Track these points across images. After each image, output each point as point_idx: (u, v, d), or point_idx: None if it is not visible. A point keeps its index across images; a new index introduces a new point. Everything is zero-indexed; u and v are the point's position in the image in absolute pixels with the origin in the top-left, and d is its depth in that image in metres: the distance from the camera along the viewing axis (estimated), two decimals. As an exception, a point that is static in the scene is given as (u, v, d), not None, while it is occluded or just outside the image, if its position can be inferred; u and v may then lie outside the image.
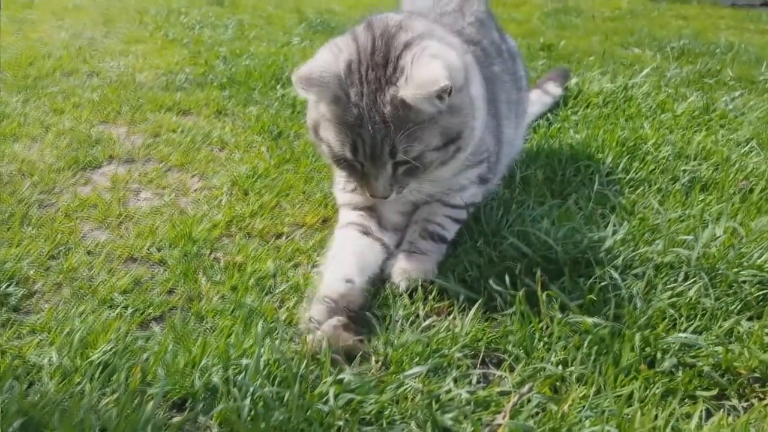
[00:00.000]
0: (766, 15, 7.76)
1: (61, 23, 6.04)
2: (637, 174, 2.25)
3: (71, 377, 1.30)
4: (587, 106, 2.99)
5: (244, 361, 1.28)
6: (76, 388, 1.27)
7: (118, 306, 1.58)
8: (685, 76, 3.94)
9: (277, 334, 1.42)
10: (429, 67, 1.49)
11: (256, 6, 7.44)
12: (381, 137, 1.51)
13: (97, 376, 1.29)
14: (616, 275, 1.52)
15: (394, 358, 1.34)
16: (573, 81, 3.35)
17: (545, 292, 1.46)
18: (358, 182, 1.65)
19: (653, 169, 2.29)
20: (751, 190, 2.17)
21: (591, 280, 1.53)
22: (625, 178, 2.23)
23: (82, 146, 2.64)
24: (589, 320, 1.36)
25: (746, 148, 2.49)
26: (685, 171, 2.23)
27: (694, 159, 2.35)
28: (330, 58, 1.60)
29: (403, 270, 1.64)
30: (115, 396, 1.24)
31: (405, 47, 1.56)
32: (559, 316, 1.43)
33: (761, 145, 2.57)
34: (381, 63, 1.54)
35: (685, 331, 1.42)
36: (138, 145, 2.69)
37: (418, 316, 1.52)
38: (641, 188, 2.18)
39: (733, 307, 1.50)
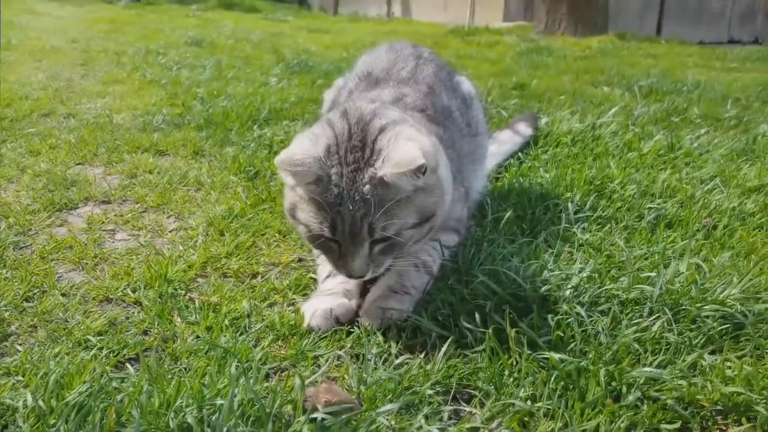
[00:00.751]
0: (732, 53, 8.01)
1: (39, 64, 6.09)
2: (604, 212, 2.32)
3: (46, 419, 1.30)
4: (557, 145, 3.07)
5: (218, 402, 1.29)
6: (50, 430, 1.27)
7: (93, 347, 1.59)
8: (653, 114, 4.07)
9: (251, 374, 1.44)
10: (405, 148, 1.58)
11: (234, 47, 7.55)
12: (360, 215, 1.56)
13: (72, 417, 1.29)
14: (582, 312, 1.56)
15: (367, 396, 1.36)
16: (543, 120, 3.45)
17: (514, 329, 1.50)
18: (335, 262, 1.68)
19: (620, 207, 2.35)
20: (715, 227, 2.24)
21: (558, 317, 1.57)
22: (592, 215, 2.29)
23: (58, 188, 2.66)
24: (556, 356, 1.40)
25: (710, 185, 2.58)
26: (650, 209, 2.30)
27: (660, 197, 2.43)
28: (308, 143, 1.67)
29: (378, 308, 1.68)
30: (90, 438, 1.25)
31: (380, 131, 1.65)
32: (528, 352, 1.47)
33: (725, 182, 2.66)
34: (359, 146, 1.63)
35: (649, 365, 1.46)
36: (114, 186, 2.71)
37: (390, 354, 1.54)
38: (608, 225, 2.24)
39: (697, 341, 1.55)
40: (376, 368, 1.48)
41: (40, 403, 1.33)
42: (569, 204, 2.32)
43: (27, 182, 2.74)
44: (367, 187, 1.57)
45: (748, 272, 1.82)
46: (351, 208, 1.56)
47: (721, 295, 1.69)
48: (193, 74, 5.38)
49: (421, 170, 1.55)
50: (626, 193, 2.41)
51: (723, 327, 1.59)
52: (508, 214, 2.17)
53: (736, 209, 2.38)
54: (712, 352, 1.55)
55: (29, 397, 1.36)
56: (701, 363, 1.49)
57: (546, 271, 1.80)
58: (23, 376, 1.46)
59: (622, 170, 2.61)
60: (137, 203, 2.54)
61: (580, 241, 2.11)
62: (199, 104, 4.03)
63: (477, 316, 1.59)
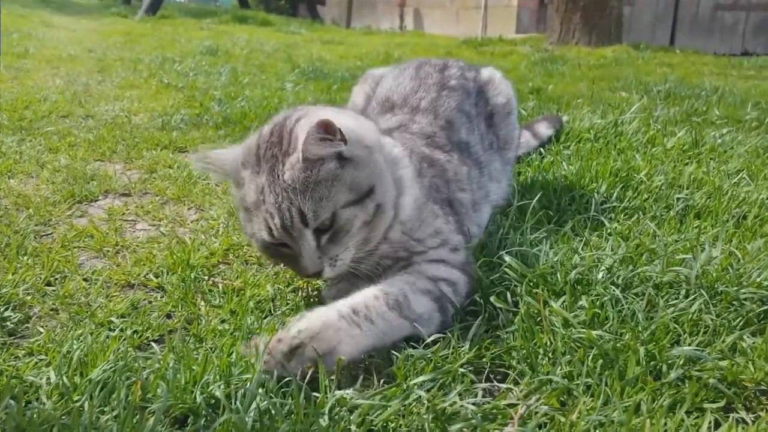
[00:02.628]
0: (748, 62, 7.96)
1: (56, 71, 6.12)
2: (631, 202, 2.28)
3: (70, 395, 1.27)
4: (579, 141, 3.04)
5: (246, 376, 1.26)
6: (74, 405, 1.24)
7: (117, 328, 1.56)
8: (673, 116, 4.02)
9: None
10: (314, 117, 1.50)
11: (249, 56, 7.58)
12: (287, 206, 1.48)
13: (96, 393, 1.27)
14: (617, 292, 1.52)
15: (399, 374, 1.32)
16: (564, 118, 3.41)
17: (547, 309, 1.46)
18: (293, 268, 1.58)
19: (647, 198, 2.31)
20: (745, 217, 2.19)
21: (592, 298, 1.53)
22: (619, 206, 2.25)
23: (78, 181, 2.64)
24: (594, 333, 1.36)
25: (737, 179, 2.53)
26: (678, 199, 2.26)
27: (687, 188, 2.38)
28: (232, 149, 1.66)
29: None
30: (115, 413, 1.21)
31: (297, 121, 1.58)
32: (563, 332, 1.43)
33: (752, 176, 2.61)
34: (277, 141, 1.55)
35: (688, 345, 1.41)
36: (134, 179, 2.70)
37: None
38: (636, 216, 2.19)
39: (735, 323, 1.50)
40: (404, 348, 1.44)
41: (64, 380, 1.30)
42: (595, 195, 2.28)
43: (47, 176, 2.74)
44: (287, 174, 1.48)
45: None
46: (275, 201, 1.48)
47: (758, 279, 1.64)
48: (210, 80, 5.40)
49: (331, 131, 1.47)
50: (653, 184, 2.37)
51: (762, 309, 1.53)
52: (533, 202, 2.13)
53: (766, 201, 2.33)
54: (753, 334, 1.50)
55: (52, 375, 1.33)
56: (741, 344, 1.44)
57: (576, 256, 1.76)
58: (46, 355, 1.43)
59: (647, 162, 2.57)
60: (157, 195, 2.53)
61: (608, 230, 2.07)
62: (216, 105, 4.02)
63: (508, 296, 1.55)
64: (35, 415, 1.19)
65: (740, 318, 1.52)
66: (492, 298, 1.56)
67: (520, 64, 7.72)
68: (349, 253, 1.55)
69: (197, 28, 11.75)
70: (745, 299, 1.57)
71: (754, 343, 1.44)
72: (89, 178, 2.70)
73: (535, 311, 1.50)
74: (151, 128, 3.58)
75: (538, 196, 2.20)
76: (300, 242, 1.50)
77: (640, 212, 2.22)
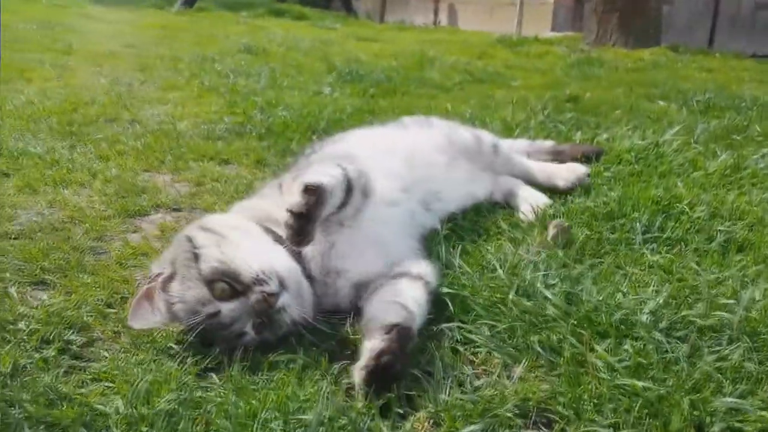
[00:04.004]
0: (789, 68, 7.82)
1: (100, 69, 6.26)
2: (673, 233, 2.30)
3: (138, 426, 1.35)
4: (619, 162, 3.05)
5: (303, 417, 1.33)
6: (143, 438, 1.32)
7: (177, 356, 1.64)
8: (713, 131, 4.00)
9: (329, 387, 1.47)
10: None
11: (285, 55, 7.65)
12: None
13: (162, 425, 1.34)
14: (662, 337, 1.56)
15: (447, 418, 1.38)
16: (603, 136, 3.43)
17: (593, 354, 1.50)
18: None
19: (689, 228, 2.33)
20: (787, 252, 2.20)
21: (636, 343, 1.57)
22: (661, 236, 2.27)
23: (129, 194, 2.74)
24: (639, 383, 1.40)
25: (781, 208, 2.53)
26: (720, 231, 2.27)
27: (729, 219, 2.40)
28: None
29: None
30: (181, 446, 1.29)
31: None
32: (607, 378, 1.47)
33: (794, 205, 2.60)
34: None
35: (730, 395, 1.45)
36: (183, 193, 2.78)
37: (465, 374, 1.56)
38: (678, 247, 2.22)
39: (778, 371, 1.53)
40: (452, 388, 1.49)
41: (133, 411, 1.38)
42: (636, 224, 2.31)
43: (99, 187, 2.83)
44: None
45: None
46: None
47: (801, 325, 1.66)
48: (249, 83, 5.48)
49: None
50: (695, 215, 2.38)
51: (806, 358, 1.56)
52: (577, 234, 2.17)
53: (808, 233, 2.33)
54: (795, 383, 1.53)
55: (120, 404, 1.41)
56: (783, 394, 1.47)
57: (620, 295, 1.79)
58: (112, 382, 1.51)
59: (689, 190, 2.58)
60: (207, 210, 2.60)
61: (650, 263, 2.10)
62: (258, 113, 4.10)
63: (553, 338, 1.59)
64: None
65: (783, 366, 1.54)
66: (536, 340, 1.60)
67: (556, 66, 7.69)
68: None
69: (234, 22, 11.86)
70: (788, 346, 1.59)
71: (796, 393, 1.47)
72: (140, 190, 2.79)
73: (580, 355, 1.54)
74: (196, 137, 3.67)
75: (579, 225, 2.23)
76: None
77: (682, 243, 2.24)
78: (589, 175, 2.74)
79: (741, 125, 4.12)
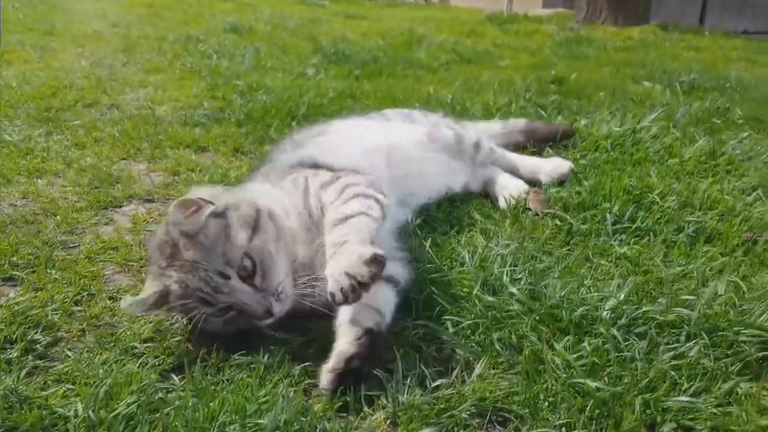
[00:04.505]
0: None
1: (82, 50, 6.20)
2: (643, 223, 2.30)
3: (96, 430, 1.36)
4: (596, 149, 3.05)
5: (260, 421, 1.34)
6: (100, 442, 1.33)
7: (140, 355, 1.65)
8: (694, 114, 4.00)
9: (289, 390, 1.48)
10: (177, 202, 1.73)
11: (272, 34, 7.59)
12: (205, 275, 1.64)
13: (121, 429, 1.35)
14: (618, 336, 1.57)
15: (404, 419, 1.39)
16: (583, 122, 3.42)
17: (551, 353, 1.52)
18: (247, 323, 1.70)
19: (659, 218, 2.34)
20: (755, 242, 2.21)
21: (595, 340, 1.58)
22: (631, 227, 2.28)
23: (103, 184, 2.73)
24: (592, 384, 1.42)
25: (751, 197, 2.54)
26: (689, 222, 2.28)
27: (700, 208, 2.40)
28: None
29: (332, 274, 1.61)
30: (138, 450, 1.30)
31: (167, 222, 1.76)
32: (564, 376, 1.48)
33: (767, 194, 2.61)
34: (167, 245, 1.73)
35: (685, 392, 1.46)
36: (158, 183, 2.77)
37: (425, 375, 1.57)
38: (647, 238, 2.23)
39: (733, 368, 1.55)
40: (411, 387, 1.50)
41: (91, 414, 1.39)
42: (607, 214, 2.32)
43: (73, 177, 2.82)
44: (186, 254, 1.68)
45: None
46: (196, 277, 1.68)
47: (760, 319, 1.68)
48: (233, 64, 5.43)
49: (191, 205, 1.70)
50: (666, 205, 2.39)
51: (761, 354, 1.58)
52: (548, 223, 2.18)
53: (778, 223, 2.35)
54: (750, 379, 1.55)
55: (80, 407, 1.42)
56: (737, 390, 1.49)
57: (584, 290, 1.81)
58: (74, 384, 1.52)
59: (662, 179, 2.59)
60: (180, 203, 2.59)
61: (618, 255, 2.11)
62: (239, 98, 4.07)
63: (513, 337, 1.61)
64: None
65: (739, 362, 1.56)
66: (495, 337, 1.62)
67: (544, 45, 7.64)
68: (288, 279, 1.70)
69: (221, 0, 11.71)
70: (744, 342, 1.61)
71: (749, 389, 1.49)
72: (114, 180, 2.78)
73: (539, 352, 1.56)
74: (175, 123, 3.64)
75: (551, 216, 2.24)
76: (236, 294, 1.64)
77: (652, 234, 2.25)
78: (572, 170, 2.73)
79: (723, 108, 4.12)
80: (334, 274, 1.57)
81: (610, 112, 4.00)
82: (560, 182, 2.67)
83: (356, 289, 1.54)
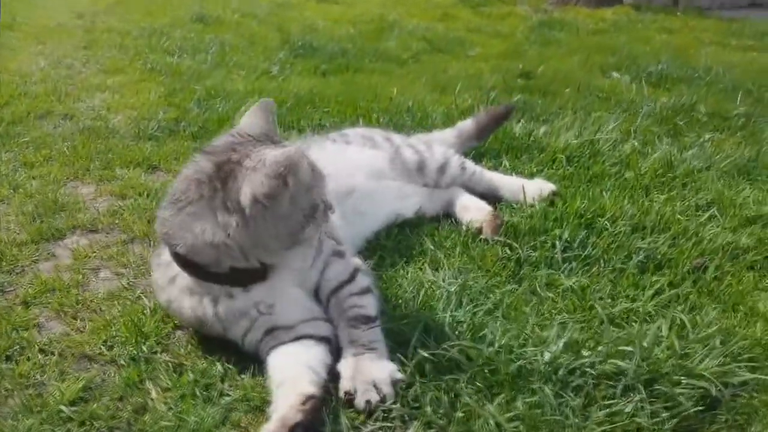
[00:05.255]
0: (750, 27, 7.75)
1: (42, 47, 6.07)
2: (594, 249, 2.27)
3: None
4: (553, 162, 3.01)
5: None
6: None
7: (66, 420, 1.60)
8: (658, 112, 3.97)
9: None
10: None
11: (240, 23, 7.45)
12: None
13: None
14: (551, 396, 1.54)
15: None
16: (542, 130, 3.37)
17: (479, 420, 1.49)
18: None
19: (611, 243, 2.30)
20: (706, 268, 2.19)
21: (528, 399, 1.55)
22: (581, 254, 2.25)
23: (48, 212, 2.65)
24: (519, 455, 1.39)
25: (706, 216, 2.51)
26: (640, 249, 2.25)
27: (652, 232, 2.38)
28: None
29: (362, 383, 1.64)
30: None
31: None
32: (495, 440, 1.46)
33: (722, 210, 2.59)
34: None
35: (619, 452, 1.45)
36: (103, 210, 2.70)
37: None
38: (596, 266, 2.20)
39: (669, 424, 1.53)
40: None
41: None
42: (557, 241, 2.28)
43: (17, 205, 2.74)
44: None
45: (730, 335, 1.80)
46: None
47: (700, 366, 1.66)
48: (195, 62, 5.31)
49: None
50: (617, 229, 2.36)
51: (697, 409, 1.56)
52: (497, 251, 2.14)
53: (730, 245, 2.32)
54: (687, 432, 1.53)
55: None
56: (672, 449, 1.47)
57: (525, 334, 1.78)
58: (-9, 461, 1.48)
59: (614, 201, 2.55)
60: (124, 233, 2.53)
61: (566, 287, 2.08)
62: (195, 107, 3.97)
63: (445, 398, 1.57)
64: None
65: (674, 419, 1.54)
66: (429, 398, 1.58)
67: (517, 29, 7.56)
68: None
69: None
70: (682, 394, 1.58)
71: (684, 448, 1.47)
72: (59, 207, 2.70)
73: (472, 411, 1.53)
74: (127, 136, 3.55)
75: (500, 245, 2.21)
76: None
77: (602, 262, 2.23)
78: (555, 194, 2.64)
79: (687, 105, 4.08)
80: (365, 385, 1.62)
81: (573, 111, 3.97)
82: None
83: (379, 406, 1.59)
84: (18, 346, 1.88)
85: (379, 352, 1.74)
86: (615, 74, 5.31)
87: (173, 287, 1.84)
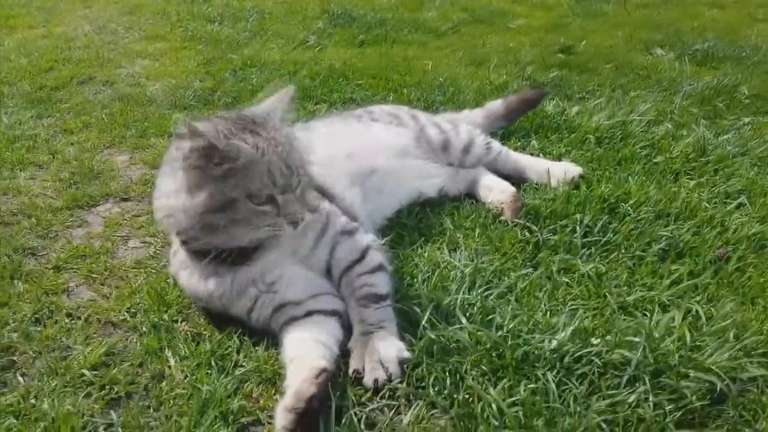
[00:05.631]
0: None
1: (88, 12, 6.16)
2: (615, 235, 2.26)
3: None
4: (582, 143, 2.97)
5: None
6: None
7: (88, 383, 1.68)
8: (699, 93, 3.86)
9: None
10: None
11: (281, -12, 7.41)
12: None
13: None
14: (553, 386, 1.56)
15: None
16: (574, 109, 3.33)
17: (480, 403, 1.52)
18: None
19: (632, 230, 2.28)
20: (728, 259, 2.16)
21: (531, 385, 1.57)
22: (601, 240, 2.23)
23: (83, 180, 2.74)
24: (516, 441, 1.42)
25: (733, 204, 2.46)
26: (662, 237, 2.23)
27: (676, 219, 2.34)
28: None
29: (370, 362, 1.69)
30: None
31: None
32: (495, 424, 1.48)
33: (752, 198, 2.53)
34: None
35: (619, 442, 1.46)
36: (135, 179, 2.78)
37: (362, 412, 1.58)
38: (615, 253, 2.18)
39: (672, 417, 1.53)
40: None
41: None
42: (578, 226, 2.27)
43: (55, 171, 2.84)
44: None
45: (745, 328, 1.78)
46: None
47: (709, 360, 1.65)
48: (234, 31, 5.34)
49: None
50: (640, 216, 2.33)
51: (702, 403, 1.56)
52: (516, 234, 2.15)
53: (756, 236, 2.28)
54: (690, 425, 1.53)
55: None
56: (672, 442, 1.48)
57: (534, 320, 1.79)
58: (17, 419, 1.56)
59: (640, 186, 2.51)
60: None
61: (582, 273, 2.07)
62: (231, 76, 4.02)
63: (448, 380, 1.60)
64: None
65: (678, 411, 1.54)
66: (432, 380, 1.62)
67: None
68: None
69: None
70: (688, 387, 1.58)
71: (685, 441, 1.48)
72: (94, 175, 2.79)
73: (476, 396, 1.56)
74: (163, 104, 3.63)
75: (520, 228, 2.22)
76: None
77: (622, 248, 2.21)
78: (582, 176, 2.62)
79: (730, 86, 3.96)
80: (373, 363, 1.67)
81: (611, 89, 3.90)
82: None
83: (386, 384, 1.63)
84: (47, 310, 1.98)
85: (389, 330, 1.78)
86: (659, 51, 5.16)
87: (176, 259, 1.96)
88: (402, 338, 1.76)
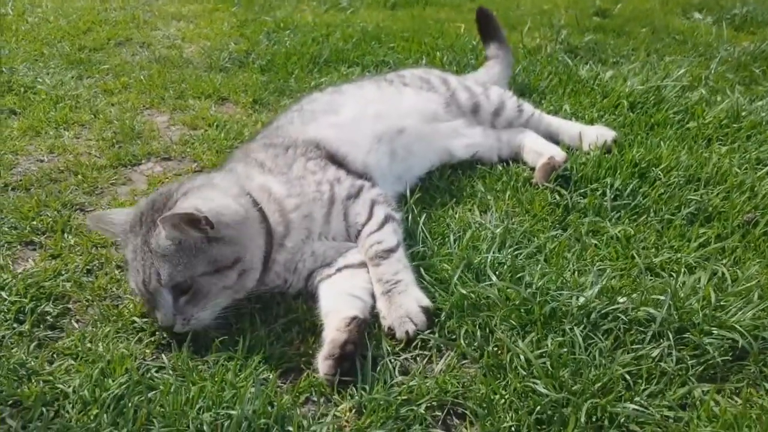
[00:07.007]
0: None
1: (124, -27, 6.20)
2: (644, 199, 2.29)
3: (90, 408, 1.52)
4: (615, 108, 2.99)
5: (231, 411, 1.47)
6: (93, 422, 1.48)
7: (139, 330, 1.79)
8: (736, 57, 3.83)
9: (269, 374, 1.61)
10: (183, 206, 1.73)
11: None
12: (149, 266, 1.72)
13: (110, 410, 1.50)
14: (579, 339, 1.62)
15: (368, 410, 1.50)
16: (608, 74, 3.33)
17: (509, 354, 1.59)
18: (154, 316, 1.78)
19: (662, 194, 2.32)
20: (756, 223, 2.19)
21: (558, 339, 1.64)
22: (631, 203, 2.28)
23: (125, 139, 2.84)
24: (542, 389, 1.49)
25: (765, 170, 2.48)
26: (691, 201, 2.26)
27: (706, 184, 2.37)
28: (125, 211, 1.93)
29: (397, 317, 1.77)
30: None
31: (183, 195, 1.84)
32: (523, 374, 1.56)
33: (785, 164, 2.55)
34: (160, 207, 1.80)
35: (642, 393, 1.53)
36: (176, 139, 2.87)
37: (396, 361, 1.67)
38: (644, 216, 2.22)
39: (694, 371, 1.59)
40: (379, 377, 1.60)
41: (86, 393, 1.54)
42: (607, 190, 2.31)
43: (98, 130, 2.94)
44: (153, 241, 1.73)
45: (770, 290, 1.82)
46: (142, 260, 1.73)
47: (732, 319, 1.70)
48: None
49: (193, 221, 1.69)
50: (670, 180, 2.36)
51: (724, 359, 1.61)
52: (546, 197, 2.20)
53: (786, 202, 2.30)
54: (711, 380, 1.59)
55: (77, 384, 1.57)
56: (694, 394, 1.54)
57: (562, 279, 1.85)
58: (75, 360, 1.68)
59: (672, 151, 2.54)
60: (195, 161, 2.70)
61: (611, 235, 2.12)
62: (265, 39, 4.08)
63: (478, 332, 1.68)
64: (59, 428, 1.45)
65: (702, 365, 1.60)
66: (463, 332, 1.69)
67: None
68: (207, 312, 1.76)
69: None
70: (710, 344, 1.64)
71: (705, 394, 1.54)
72: (136, 135, 2.89)
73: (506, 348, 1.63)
74: (200, 67, 3.71)
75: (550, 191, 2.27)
76: (157, 299, 1.73)
77: (651, 212, 2.25)
78: (615, 141, 2.64)
79: (768, 52, 3.92)
80: (400, 319, 1.75)
81: (647, 53, 3.88)
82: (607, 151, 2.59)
83: (417, 334, 1.72)
84: (97, 262, 2.08)
85: (405, 281, 1.85)
86: (696, 15, 5.10)
87: None
88: (432, 295, 1.84)
